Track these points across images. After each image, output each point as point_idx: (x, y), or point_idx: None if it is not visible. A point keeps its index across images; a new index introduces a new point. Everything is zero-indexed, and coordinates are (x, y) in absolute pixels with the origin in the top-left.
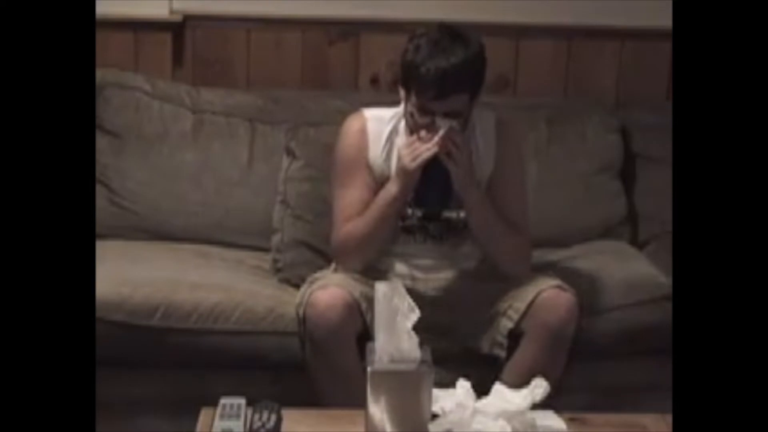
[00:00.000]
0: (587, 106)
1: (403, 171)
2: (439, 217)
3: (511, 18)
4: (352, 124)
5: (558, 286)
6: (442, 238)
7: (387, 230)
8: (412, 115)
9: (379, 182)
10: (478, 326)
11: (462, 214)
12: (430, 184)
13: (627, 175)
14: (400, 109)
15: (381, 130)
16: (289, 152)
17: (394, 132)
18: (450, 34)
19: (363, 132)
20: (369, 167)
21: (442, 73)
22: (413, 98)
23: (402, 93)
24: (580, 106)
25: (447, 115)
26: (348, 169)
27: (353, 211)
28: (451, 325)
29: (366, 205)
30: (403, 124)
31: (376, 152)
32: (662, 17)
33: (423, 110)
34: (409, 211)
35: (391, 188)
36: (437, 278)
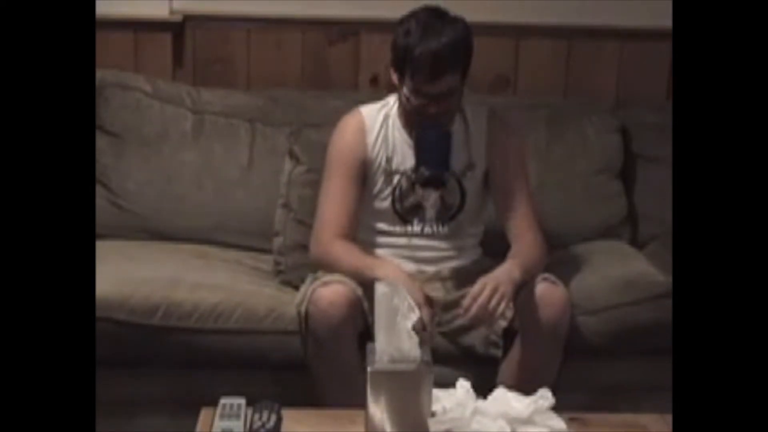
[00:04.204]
0: (587, 106)
1: (409, 288)
2: (442, 179)
3: (511, 18)
4: (349, 123)
5: (546, 279)
6: (438, 228)
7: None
8: (408, 99)
9: (375, 172)
10: (472, 325)
11: (459, 199)
12: (429, 146)
13: (627, 175)
14: (391, 98)
15: (377, 119)
16: (292, 156)
17: (387, 117)
18: (437, 15)
19: (361, 131)
20: (365, 164)
21: (434, 55)
22: (408, 81)
23: (395, 75)
24: (580, 106)
25: (441, 95)
26: (341, 170)
27: (340, 219)
28: (446, 324)
29: (353, 211)
30: (395, 109)
31: (375, 142)
32: (662, 17)
33: (417, 93)
34: (413, 176)
35: (379, 271)
36: (436, 271)
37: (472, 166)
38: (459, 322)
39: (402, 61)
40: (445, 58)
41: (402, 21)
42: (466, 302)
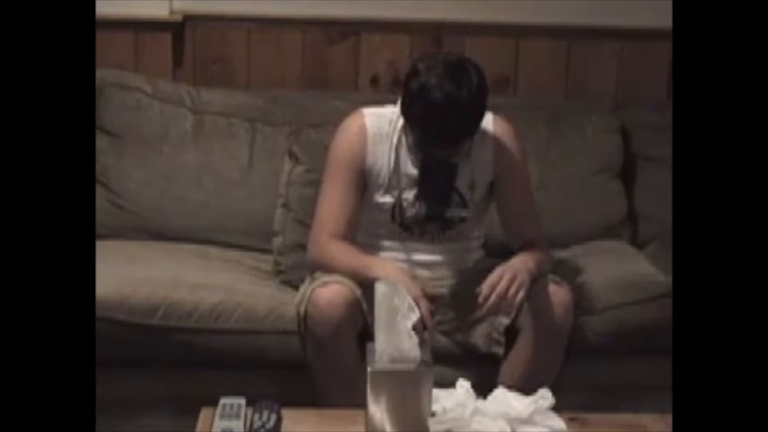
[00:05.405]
0: (587, 106)
1: (407, 286)
2: (442, 216)
3: (511, 18)
4: (350, 126)
5: (552, 281)
6: (439, 235)
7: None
8: (415, 145)
9: (376, 180)
10: (475, 324)
11: (464, 213)
12: (432, 182)
13: (627, 175)
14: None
15: (381, 128)
16: (292, 156)
17: (394, 130)
18: (454, 75)
19: (362, 134)
20: (365, 170)
21: (450, 131)
22: (416, 137)
23: (402, 117)
24: (580, 106)
25: (450, 154)
26: (340, 172)
27: (338, 220)
28: (448, 322)
29: (352, 214)
30: (402, 122)
31: (376, 152)
32: (662, 17)
33: (425, 149)
34: (413, 210)
35: (378, 270)
36: (435, 275)
37: (477, 182)
38: (468, 318)
39: (412, 119)
40: (460, 132)
41: (416, 72)
42: (484, 291)
